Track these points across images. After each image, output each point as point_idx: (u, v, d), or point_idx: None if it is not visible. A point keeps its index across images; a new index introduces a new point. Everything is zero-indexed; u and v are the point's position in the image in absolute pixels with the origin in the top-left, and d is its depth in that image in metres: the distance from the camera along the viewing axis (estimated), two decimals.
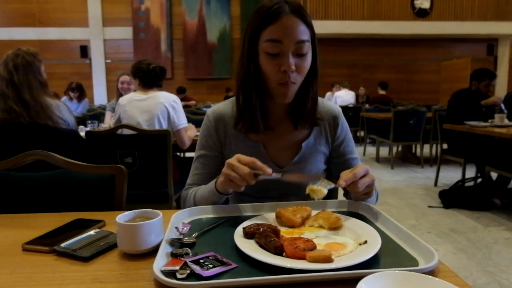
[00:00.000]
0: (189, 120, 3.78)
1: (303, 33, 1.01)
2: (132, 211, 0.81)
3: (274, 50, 1.00)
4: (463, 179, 3.94)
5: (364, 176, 0.89)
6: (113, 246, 0.78)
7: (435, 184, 4.49)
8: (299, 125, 1.14)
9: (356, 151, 1.25)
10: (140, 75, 2.66)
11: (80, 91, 5.90)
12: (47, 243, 0.78)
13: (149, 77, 2.65)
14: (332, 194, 1.50)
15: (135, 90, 2.80)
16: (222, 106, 1.19)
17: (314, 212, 0.91)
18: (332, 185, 0.89)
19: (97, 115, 4.90)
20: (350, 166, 1.21)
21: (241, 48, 1.10)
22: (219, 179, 0.95)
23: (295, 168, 1.15)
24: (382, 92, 7.54)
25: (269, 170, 0.88)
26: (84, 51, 11.44)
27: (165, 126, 2.60)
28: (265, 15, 1.01)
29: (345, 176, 0.89)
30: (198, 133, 2.80)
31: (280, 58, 1.00)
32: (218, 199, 1.02)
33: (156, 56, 11.23)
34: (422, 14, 11.47)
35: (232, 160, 0.90)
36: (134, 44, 11.44)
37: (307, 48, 1.02)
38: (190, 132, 2.76)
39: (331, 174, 1.24)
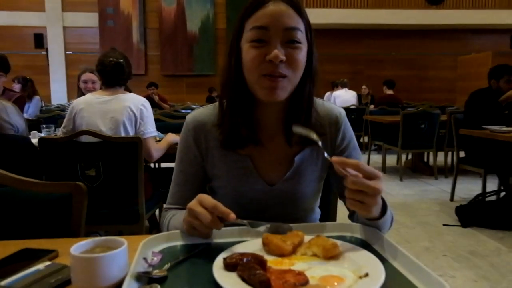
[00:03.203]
0: (166, 125, 3.79)
1: (294, 20, 1.01)
2: (91, 239, 0.79)
3: (258, 36, 1.00)
4: (484, 193, 3.96)
5: (368, 178, 0.86)
6: (67, 282, 0.76)
7: (451, 199, 4.53)
8: (292, 140, 1.13)
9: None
10: (101, 71, 2.60)
11: (24, 83, 5.54)
12: None
13: (110, 73, 2.58)
14: (329, 214, 1.50)
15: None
16: (205, 112, 1.19)
17: (307, 238, 0.91)
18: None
19: (54, 117, 4.83)
20: None
21: (227, 51, 1.11)
22: (184, 227, 0.94)
23: (288, 185, 1.14)
24: (388, 91, 7.62)
25: (233, 216, 0.88)
26: (39, 40, 11.31)
27: (132, 134, 2.59)
28: (251, 3, 1.02)
29: (345, 159, 0.86)
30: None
31: (266, 47, 1.00)
32: None
33: (126, 48, 11.20)
34: (435, 1, 11.67)
35: (193, 205, 0.89)
36: (101, 34, 11.40)
37: (300, 37, 1.02)
38: (163, 143, 2.73)
39: (331, 190, 1.24)
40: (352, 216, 1.18)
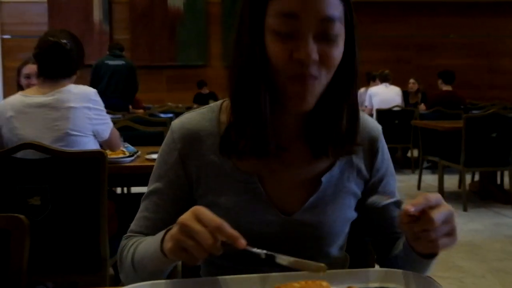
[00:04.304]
0: (139, 135, 3.79)
1: (332, 6, 1.01)
2: None
3: (286, 28, 1.00)
4: None
5: (437, 206, 0.91)
6: None
7: None
8: (319, 149, 1.14)
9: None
10: (37, 56, 2.60)
11: None
12: None
13: (48, 58, 2.57)
14: (362, 258, 1.49)
15: None
16: (197, 117, 1.19)
17: None
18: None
19: None
20: (390, 214, 1.21)
21: (237, 23, 1.11)
22: (168, 245, 0.94)
23: (311, 215, 1.15)
24: (446, 87, 7.62)
25: (242, 242, 0.88)
26: None
27: (89, 145, 2.60)
28: None
29: (414, 201, 0.91)
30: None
31: (294, 41, 1.00)
32: (166, 266, 1.01)
33: (85, 29, 11.30)
34: None
35: (188, 220, 0.89)
36: (50, 10, 11.52)
37: (338, 30, 1.03)
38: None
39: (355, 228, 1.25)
40: (384, 260, 1.18)
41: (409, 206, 0.89)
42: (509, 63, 12.61)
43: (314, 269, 0.91)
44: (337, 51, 1.04)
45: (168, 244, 0.94)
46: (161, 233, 1.00)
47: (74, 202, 2.36)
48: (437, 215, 0.89)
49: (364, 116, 1.23)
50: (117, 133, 2.81)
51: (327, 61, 1.02)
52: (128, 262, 1.12)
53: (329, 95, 1.09)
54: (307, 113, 1.12)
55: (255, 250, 0.91)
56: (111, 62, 7.42)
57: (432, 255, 1.03)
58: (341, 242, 1.23)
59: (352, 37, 1.07)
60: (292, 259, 0.92)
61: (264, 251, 0.92)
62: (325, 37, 1.01)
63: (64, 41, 2.58)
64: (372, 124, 1.24)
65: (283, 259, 0.92)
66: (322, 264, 0.92)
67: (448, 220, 0.92)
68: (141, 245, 1.10)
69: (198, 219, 0.89)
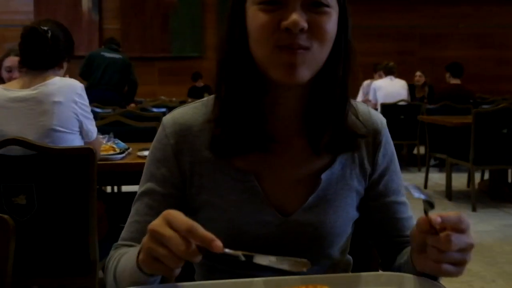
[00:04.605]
0: (130, 131, 3.78)
1: None
2: None
3: None
4: None
5: (462, 231, 0.89)
6: None
7: None
8: (318, 143, 1.14)
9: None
10: (19, 45, 2.59)
11: None
12: None
13: (29, 46, 2.56)
14: (365, 261, 1.49)
15: None
16: (189, 112, 1.20)
17: None
18: None
19: None
20: (392, 215, 1.22)
21: (227, 14, 1.12)
22: (140, 256, 0.91)
23: (311, 216, 1.15)
24: (454, 80, 7.63)
25: (218, 244, 0.84)
26: None
27: (75, 142, 2.60)
28: None
29: (444, 214, 0.89)
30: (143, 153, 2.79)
31: (281, 10, 1.01)
32: (145, 280, 0.97)
33: (73, 19, 11.30)
34: None
35: (157, 226, 0.85)
36: None
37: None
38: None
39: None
40: (387, 264, 1.18)
41: (437, 217, 0.87)
42: None
43: (297, 266, 0.91)
44: (329, 23, 1.03)
45: (141, 256, 0.91)
46: (138, 247, 0.96)
47: (61, 201, 2.36)
48: (457, 240, 0.87)
49: (367, 108, 1.24)
50: (100, 141, 2.77)
51: (317, 31, 1.02)
52: (111, 275, 1.10)
53: (327, 79, 1.10)
54: (304, 102, 1.13)
55: (233, 252, 0.89)
56: (107, 54, 7.38)
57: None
58: (343, 243, 1.23)
59: (345, 16, 1.08)
60: (272, 258, 0.91)
61: (242, 253, 0.90)
62: (314, 5, 1.01)
63: (45, 28, 2.55)
64: (375, 116, 1.24)
65: (262, 259, 0.91)
66: (305, 260, 0.92)
67: (464, 250, 0.90)
68: (123, 258, 1.08)
69: (169, 223, 0.85)
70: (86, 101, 2.67)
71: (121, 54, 7.63)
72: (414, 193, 0.91)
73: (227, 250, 0.87)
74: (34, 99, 2.53)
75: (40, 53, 2.56)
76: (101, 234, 2.51)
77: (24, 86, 2.57)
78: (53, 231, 2.38)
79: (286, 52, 1.01)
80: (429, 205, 0.91)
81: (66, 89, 2.58)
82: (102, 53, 7.50)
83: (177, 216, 0.86)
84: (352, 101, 1.16)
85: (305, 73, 1.04)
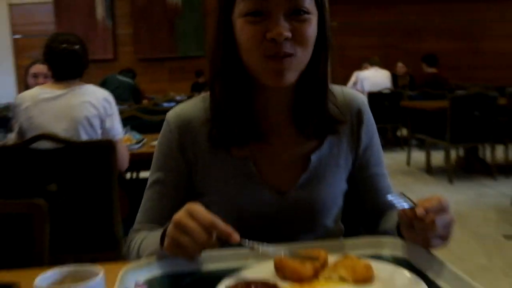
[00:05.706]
0: (144, 124, 3.79)
1: None
2: (59, 268, 0.81)
3: (254, 7, 1.00)
4: None
5: (442, 211, 0.92)
6: None
7: None
8: (306, 131, 1.15)
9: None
10: (50, 61, 2.62)
11: None
12: None
13: (63, 64, 2.59)
14: (354, 229, 1.49)
15: None
16: (190, 107, 1.20)
17: (332, 259, 0.92)
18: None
19: (3, 120, 4.84)
20: (374, 186, 1.24)
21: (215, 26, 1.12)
22: (166, 241, 0.93)
23: (304, 192, 1.16)
24: (430, 69, 7.59)
25: (236, 236, 0.88)
26: None
27: (95, 137, 2.60)
28: None
29: (427, 204, 0.90)
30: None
31: (265, 22, 1.00)
32: None
33: (89, 26, 11.20)
34: None
35: (182, 217, 0.89)
36: (56, 10, 11.38)
37: (308, 5, 1.02)
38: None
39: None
40: (370, 227, 1.20)
41: (422, 210, 0.89)
42: (490, 45, 12.52)
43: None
44: (310, 28, 1.03)
45: (165, 242, 0.93)
46: (160, 230, 1.00)
47: (87, 187, 2.38)
48: (441, 220, 0.90)
49: (346, 90, 1.23)
50: (125, 149, 2.74)
51: (300, 38, 1.02)
52: (134, 255, 1.12)
53: (310, 75, 1.10)
54: (291, 96, 1.13)
55: (245, 242, 0.90)
56: (120, 78, 7.46)
57: None
58: (335, 214, 1.23)
59: (323, 15, 1.07)
60: (285, 250, 0.90)
61: (254, 243, 0.91)
62: (296, 13, 1.01)
63: (76, 47, 2.60)
64: (354, 95, 1.24)
65: (276, 250, 0.91)
66: (314, 256, 0.91)
67: (447, 226, 0.92)
68: (146, 241, 1.10)
69: (192, 216, 0.88)
70: (113, 108, 2.68)
71: (134, 81, 7.67)
72: (397, 205, 0.92)
73: (243, 241, 0.89)
74: (64, 97, 2.57)
75: (72, 68, 2.61)
76: (123, 214, 2.53)
77: (55, 88, 2.61)
78: (82, 213, 2.41)
79: (273, 60, 1.01)
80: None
81: (94, 94, 2.62)
82: (116, 76, 7.56)
83: (199, 209, 0.89)
84: (330, 87, 1.16)
85: (291, 76, 1.05)
